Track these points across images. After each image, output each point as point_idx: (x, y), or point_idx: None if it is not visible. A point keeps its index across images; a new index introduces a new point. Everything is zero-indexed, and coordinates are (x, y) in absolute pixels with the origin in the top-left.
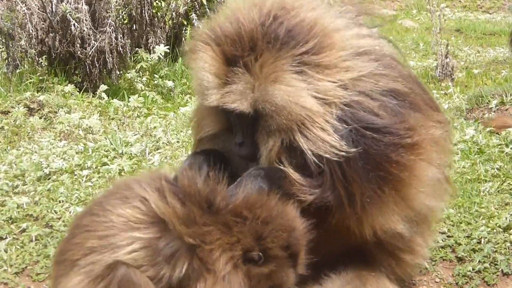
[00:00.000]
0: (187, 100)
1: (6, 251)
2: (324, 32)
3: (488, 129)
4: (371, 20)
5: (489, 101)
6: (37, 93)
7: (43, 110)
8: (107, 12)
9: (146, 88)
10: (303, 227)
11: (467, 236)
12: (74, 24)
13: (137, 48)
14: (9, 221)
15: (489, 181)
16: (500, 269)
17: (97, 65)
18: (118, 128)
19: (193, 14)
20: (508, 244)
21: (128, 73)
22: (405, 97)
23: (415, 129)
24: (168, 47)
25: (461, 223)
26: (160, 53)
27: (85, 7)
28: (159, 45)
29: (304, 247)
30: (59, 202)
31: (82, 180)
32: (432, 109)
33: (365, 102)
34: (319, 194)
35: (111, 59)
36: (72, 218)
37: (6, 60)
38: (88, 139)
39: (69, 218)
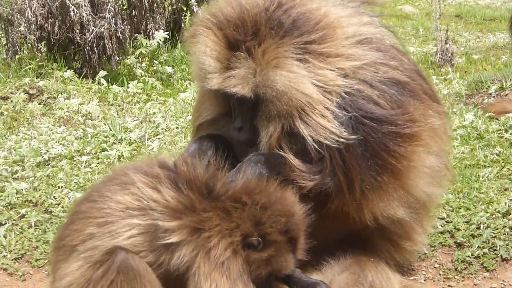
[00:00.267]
0: (186, 86)
1: (5, 237)
2: (329, 25)
3: (487, 114)
4: (372, 9)
5: (488, 86)
6: (37, 79)
7: (43, 96)
8: None
9: (146, 74)
10: (302, 213)
11: (466, 222)
12: (73, 10)
13: (136, 34)
14: (8, 207)
15: (488, 166)
16: (499, 254)
17: (96, 51)
18: (117, 114)
19: (193, 0)
20: (507, 229)
21: (127, 59)
22: (405, 86)
23: (414, 119)
24: (167, 33)
25: (460, 208)
26: (160, 39)
27: None
28: (159, 31)
29: (303, 232)
30: (58, 187)
31: (81, 165)
32: (431, 99)
33: (365, 90)
34: (319, 180)
35: (110, 45)
36: (71, 204)
37: (6, 46)
38: (87, 125)
39: (68, 204)
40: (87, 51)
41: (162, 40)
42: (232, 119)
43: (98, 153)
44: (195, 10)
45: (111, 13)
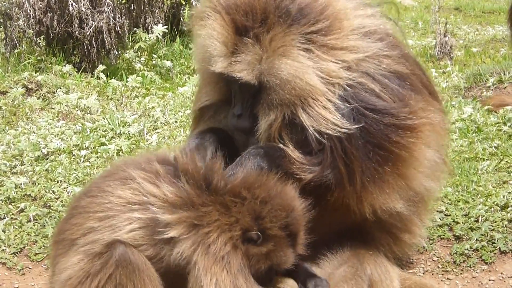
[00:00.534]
0: (185, 80)
1: (4, 231)
2: (334, 15)
3: (486, 107)
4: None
5: (487, 79)
6: (35, 73)
7: (41, 90)
8: None
9: (145, 68)
10: (302, 207)
11: (464, 215)
12: (72, 4)
13: (135, 28)
14: (7, 201)
15: (486, 159)
16: (498, 247)
17: (95, 45)
18: (116, 108)
19: None
20: (506, 222)
21: (126, 53)
22: (406, 79)
23: (415, 112)
24: (166, 27)
25: (458, 201)
26: (159, 33)
27: None
28: (157, 25)
29: (303, 227)
30: (57, 182)
31: (80, 160)
32: (430, 94)
33: (368, 83)
34: (318, 172)
35: (109, 39)
36: (70, 198)
37: (4, 40)
38: (86, 119)
39: (67, 198)
40: (86, 45)
41: (161, 34)
42: (232, 106)
43: (97, 147)
44: (193, 3)
45: (110, 7)
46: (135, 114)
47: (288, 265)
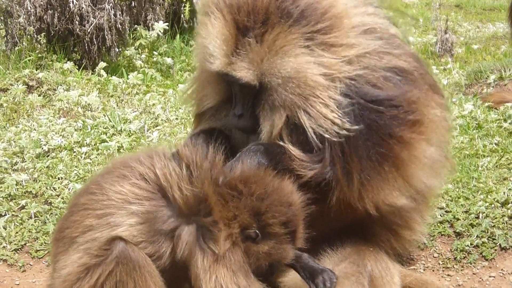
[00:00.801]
0: (186, 77)
1: (5, 228)
2: (335, 15)
3: (486, 104)
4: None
5: (488, 76)
6: (36, 70)
7: (42, 87)
8: None
9: (145, 65)
10: (300, 202)
11: (465, 211)
12: (72, 1)
13: (136, 25)
14: (8, 198)
15: (487, 156)
16: (498, 243)
17: (96, 42)
18: (117, 105)
19: None
20: (506, 218)
21: (127, 50)
22: (408, 75)
23: (417, 105)
24: (167, 24)
25: (459, 198)
26: (159, 30)
27: None
28: (158, 22)
29: (302, 222)
30: (58, 179)
31: (81, 157)
32: (433, 90)
33: (369, 76)
34: (319, 170)
35: (110, 36)
36: (71, 195)
37: (5, 38)
38: (87, 116)
39: (68, 195)
40: (87, 42)
41: (162, 31)
42: (232, 106)
43: (97, 144)
44: (194, 0)
45: (111, 4)
46: (136, 111)
47: (288, 260)
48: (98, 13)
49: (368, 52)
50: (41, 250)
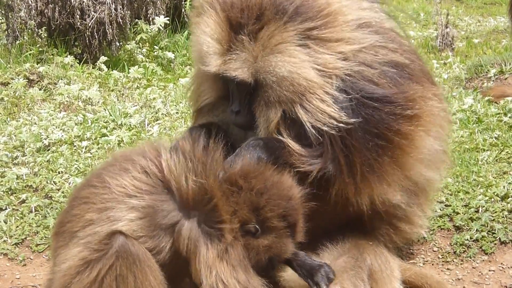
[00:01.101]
0: (187, 71)
1: (5, 222)
2: (331, 12)
3: (486, 98)
4: None
5: (488, 70)
6: (37, 64)
7: (43, 81)
8: None
9: (146, 60)
10: (300, 196)
11: (465, 205)
12: None
13: (137, 20)
14: (9, 192)
15: (487, 150)
16: (498, 237)
17: (96, 36)
18: (118, 99)
19: None
20: (506, 212)
21: (128, 45)
22: (404, 69)
23: (415, 100)
24: (168, 18)
25: (459, 192)
26: (160, 24)
27: None
28: (159, 16)
29: (302, 215)
30: (59, 173)
31: (82, 151)
32: (430, 82)
33: (366, 72)
34: (318, 164)
35: (111, 30)
36: (71, 189)
37: (6, 32)
38: (88, 110)
39: (68, 189)
40: (88, 36)
41: (163, 25)
42: (230, 103)
43: (98, 138)
44: None
45: None
46: (136, 105)
47: (288, 254)
48: (99, 7)
49: (364, 47)
50: (42, 244)
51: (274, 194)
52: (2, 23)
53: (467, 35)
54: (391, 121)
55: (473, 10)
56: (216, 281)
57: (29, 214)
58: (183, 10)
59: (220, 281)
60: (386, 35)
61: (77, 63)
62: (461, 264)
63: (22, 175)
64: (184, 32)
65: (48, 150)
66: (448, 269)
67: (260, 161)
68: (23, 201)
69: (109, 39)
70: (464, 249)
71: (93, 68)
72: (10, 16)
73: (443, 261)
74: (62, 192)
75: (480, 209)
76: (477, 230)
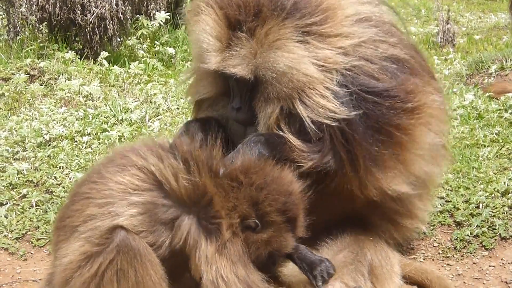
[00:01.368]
0: (187, 67)
1: (6, 217)
2: (329, 7)
3: (487, 94)
4: None
5: (489, 66)
6: (38, 60)
7: (44, 77)
8: None
9: (147, 55)
10: (300, 191)
11: (465, 201)
12: None
13: (137, 15)
14: (10, 187)
15: (487, 146)
16: (498, 233)
17: (97, 32)
18: (119, 95)
19: None
20: (506, 208)
21: (128, 40)
22: (405, 63)
23: (414, 94)
24: (168, 13)
25: (459, 188)
26: (161, 20)
27: None
28: (160, 12)
29: (302, 211)
30: (59, 168)
31: (82, 146)
32: (429, 76)
33: (366, 66)
34: (319, 159)
35: (111, 26)
36: (72, 184)
37: (7, 27)
38: (88, 105)
39: (69, 184)
40: (88, 32)
41: (163, 21)
42: (230, 99)
43: (99, 133)
44: None
45: None
46: (137, 101)
47: (289, 249)
48: (100, 3)
49: (364, 41)
50: (42, 239)
51: (273, 189)
52: (3, 18)
53: (468, 31)
54: (391, 116)
55: (474, 6)
56: (216, 276)
57: (29, 209)
58: (183, 6)
59: (220, 277)
60: (386, 29)
61: (78, 58)
62: (461, 259)
63: (23, 170)
64: (185, 28)
65: (49, 145)
66: (448, 264)
67: (261, 157)
68: (24, 196)
69: (110, 35)
70: (464, 245)
71: (94, 63)
72: (11, 12)
73: (443, 257)
74: (63, 187)
75: (481, 204)
76: (477, 225)
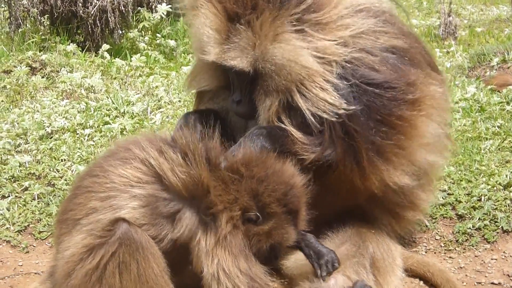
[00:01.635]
0: (189, 59)
1: (8, 210)
2: None
3: (489, 87)
4: None
5: (491, 59)
6: (39, 52)
7: (45, 69)
8: None
9: (149, 48)
10: (302, 184)
11: (467, 194)
12: None
13: (139, 7)
14: (12, 180)
15: (489, 139)
16: (500, 226)
17: (99, 24)
18: (120, 87)
19: None
20: (508, 201)
21: (130, 33)
22: (405, 54)
23: (416, 85)
24: (170, 6)
25: (461, 180)
26: (162, 12)
27: None
28: (161, 4)
29: (304, 203)
30: (61, 160)
31: (84, 139)
32: (431, 67)
33: (366, 58)
34: (320, 152)
35: (113, 18)
36: (74, 177)
37: (8, 19)
38: (90, 98)
39: (71, 177)
40: (90, 24)
41: (165, 13)
42: (231, 92)
43: (100, 126)
44: None
45: None
46: (139, 93)
47: (290, 242)
48: None
49: (364, 31)
50: (44, 231)
51: (274, 182)
52: (4, 11)
53: (470, 23)
54: (392, 107)
55: None
56: (217, 269)
57: (32, 201)
58: None
59: (222, 270)
60: (386, 19)
61: (80, 51)
62: (463, 252)
63: (25, 162)
64: (186, 20)
65: (51, 137)
66: (450, 257)
67: (263, 150)
68: (26, 189)
69: (112, 27)
70: (466, 238)
71: (95, 56)
72: (13, 4)
73: (445, 250)
74: (65, 180)
75: (483, 197)
76: (479, 218)
